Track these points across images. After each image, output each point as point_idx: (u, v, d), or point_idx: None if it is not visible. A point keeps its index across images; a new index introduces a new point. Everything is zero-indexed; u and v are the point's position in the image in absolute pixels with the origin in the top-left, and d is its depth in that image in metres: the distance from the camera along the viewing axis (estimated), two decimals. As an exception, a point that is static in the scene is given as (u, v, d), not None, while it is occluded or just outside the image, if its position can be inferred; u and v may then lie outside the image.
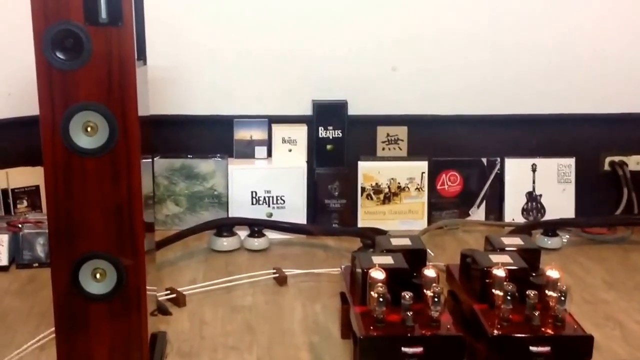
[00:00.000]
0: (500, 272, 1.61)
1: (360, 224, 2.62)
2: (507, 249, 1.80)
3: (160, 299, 1.94)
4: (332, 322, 1.88)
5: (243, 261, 2.33)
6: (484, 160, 2.70)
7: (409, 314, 1.53)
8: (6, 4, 2.34)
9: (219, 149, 2.60)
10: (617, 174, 2.72)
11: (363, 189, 2.64)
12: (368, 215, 2.64)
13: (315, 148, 2.62)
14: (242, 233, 2.45)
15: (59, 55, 1.34)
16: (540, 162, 2.71)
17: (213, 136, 2.61)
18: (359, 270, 1.70)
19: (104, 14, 1.32)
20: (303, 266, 2.24)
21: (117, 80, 1.36)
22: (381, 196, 2.65)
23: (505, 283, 1.58)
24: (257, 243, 2.42)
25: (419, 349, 1.49)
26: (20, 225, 2.26)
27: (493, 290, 1.60)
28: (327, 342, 1.79)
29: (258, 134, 2.60)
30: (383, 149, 2.68)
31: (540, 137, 2.72)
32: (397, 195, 2.65)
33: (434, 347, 1.51)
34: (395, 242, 1.86)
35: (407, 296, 1.54)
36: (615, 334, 1.84)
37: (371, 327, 1.54)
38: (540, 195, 2.71)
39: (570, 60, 2.64)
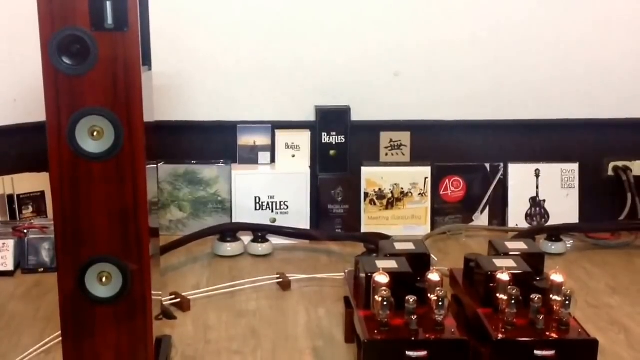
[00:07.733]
0: (504, 276, 1.61)
1: (363, 230, 2.62)
2: (511, 253, 1.80)
3: (164, 303, 1.94)
4: (336, 326, 1.88)
5: (247, 266, 2.33)
6: (487, 165, 2.71)
7: (413, 317, 1.53)
8: (12, 10, 2.36)
9: (222, 154, 2.61)
10: (620, 179, 2.72)
11: (366, 195, 2.65)
12: (371, 221, 2.64)
13: (319, 154, 2.63)
14: (246, 238, 2.45)
15: (66, 60, 1.35)
16: (543, 167, 2.71)
17: (217, 142, 2.62)
18: (362, 274, 1.70)
19: (109, 20, 1.34)
20: (307, 271, 2.24)
21: (123, 85, 1.37)
22: (384, 202, 2.65)
23: (509, 287, 1.58)
24: (260, 248, 2.42)
25: (423, 353, 1.49)
26: (25, 231, 2.26)
27: (497, 295, 1.60)
28: (331, 347, 1.79)
29: (261, 139, 2.61)
30: (386, 154, 2.68)
31: (543, 142, 2.72)
32: (401, 201, 2.65)
33: (438, 351, 1.51)
34: (399, 246, 1.86)
35: (411, 300, 1.54)
36: (620, 339, 1.84)
37: (375, 331, 1.54)
38: (544, 201, 2.71)
39: (573, 65, 2.64)
